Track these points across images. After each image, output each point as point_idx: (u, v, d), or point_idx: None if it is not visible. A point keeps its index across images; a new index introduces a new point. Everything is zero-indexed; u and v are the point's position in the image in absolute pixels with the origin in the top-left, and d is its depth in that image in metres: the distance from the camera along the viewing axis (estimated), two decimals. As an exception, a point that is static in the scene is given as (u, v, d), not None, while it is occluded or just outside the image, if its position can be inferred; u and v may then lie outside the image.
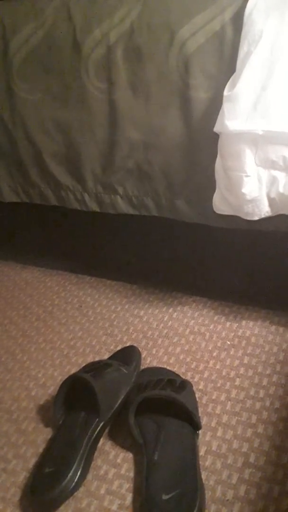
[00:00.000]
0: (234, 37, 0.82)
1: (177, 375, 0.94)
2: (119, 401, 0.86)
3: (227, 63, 0.84)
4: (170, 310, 1.14)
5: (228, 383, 0.93)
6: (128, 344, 1.05)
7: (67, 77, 0.96)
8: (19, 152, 1.07)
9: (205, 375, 0.95)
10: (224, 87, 0.80)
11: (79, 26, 0.93)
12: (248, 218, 0.86)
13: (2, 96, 1.03)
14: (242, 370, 0.95)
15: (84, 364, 0.98)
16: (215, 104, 0.83)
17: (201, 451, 0.81)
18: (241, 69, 0.79)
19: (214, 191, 0.88)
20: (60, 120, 1.00)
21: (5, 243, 1.38)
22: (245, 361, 0.97)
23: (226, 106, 0.79)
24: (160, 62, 0.87)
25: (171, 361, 1.00)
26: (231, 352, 1.00)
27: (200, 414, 0.86)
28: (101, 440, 0.84)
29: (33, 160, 1.07)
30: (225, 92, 0.80)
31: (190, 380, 0.92)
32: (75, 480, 0.76)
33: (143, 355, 1.01)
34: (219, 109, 0.80)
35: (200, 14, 0.84)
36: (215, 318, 1.10)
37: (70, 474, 0.75)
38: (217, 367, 0.97)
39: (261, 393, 0.90)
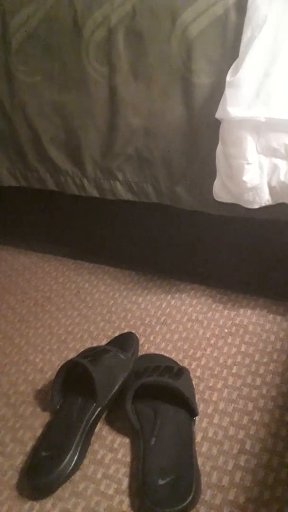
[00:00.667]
0: (238, 21, 0.81)
1: (175, 362, 0.95)
2: (117, 387, 0.86)
3: (230, 48, 0.82)
4: (169, 297, 1.14)
5: (225, 371, 0.93)
6: (126, 331, 1.05)
7: (67, 59, 0.94)
8: (18, 136, 1.06)
9: (202, 362, 0.96)
10: (227, 72, 0.79)
11: (80, 7, 0.91)
12: (249, 207, 0.86)
13: (0, 78, 1.02)
14: (239, 358, 0.96)
15: (81, 350, 0.98)
16: (217, 90, 0.82)
17: (198, 437, 0.81)
18: (244, 54, 0.77)
19: (215, 178, 0.87)
20: (60, 104, 0.99)
21: (3, 228, 1.37)
22: (242, 349, 0.98)
23: (228, 92, 0.78)
24: (161, 46, 0.86)
25: (168, 348, 1.00)
26: (229, 340, 1.00)
27: (197, 401, 0.86)
28: (98, 425, 0.85)
29: (32, 144, 1.06)
30: (228, 78, 0.79)
31: (187, 367, 0.93)
32: (72, 464, 0.76)
33: (141, 342, 1.01)
34: (221, 95, 0.79)
35: (203, -2, 0.83)
36: (213, 306, 1.10)
37: (67, 458, 0.76)
38: (214, 354, 0.97)
39: (258, 381, 0.90)
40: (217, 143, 0.83)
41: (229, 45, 0.82)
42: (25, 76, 1.00)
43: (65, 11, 0.92)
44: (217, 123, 0.82)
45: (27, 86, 1.00)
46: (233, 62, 0.80)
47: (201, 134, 0.89)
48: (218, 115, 0.80)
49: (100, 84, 0.93)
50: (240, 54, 0.79)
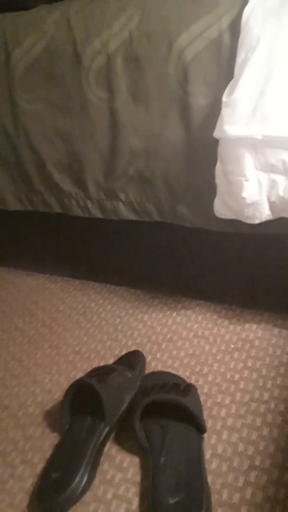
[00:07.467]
0: (232, 43, 0.83)
1: (182, 379, 0.95)
2: (125, 406, 0.86)
3: (225, 70, 0.84)
4: (174, 314, 1.15)
5: (232, 386, 0.93)
6: (132, 349, 1.05)
7: (68, 86, 0.97)
8: (22, 161, 1.09)
9: (210, 379, 0.96)
10: (223, 93, 0.81)
11: (79, 36, 0.94)
12: (249, 222, 0.87)
13: (4, 106, 1.04)
14: (246, 373, 0.96)
15: (89, 369, 0.98)
16: (214, 110, 0.84)
17: (207, 455, 0.81)
18: (239, 75, 0.79)
19: (215, 195, 0.88)
20: (62, 129, 1.01)
21: (9, 250, 1.39)
22: (249, 364, 0.98)
23: (225, 112, 0.79)
24: (159, 70, 0.88)
25: (175, 365, 1.00)
26: (235, 355, 1.00)
27: (205, 418, 0.86)
28: (107, 445, 0.85)
29: (36, 169, 1.08)
30: (224, 98, 0.80)
31: (195, 384, 0.93)
32: (82, 485, 0.76)
33: (147, 359, 1.02)
34: (218, 115, 0.81)
35: (197, 22, 0.85)
36: (219, 321, 1.10)
37: (77, 479, 0.76)
38: (222, 370, 0.97)
39: (266, 395, 0.90)
40: (216, 162, 0.85)
41: (224, 66, 0.84)
42: (28, 103, 1.02)
43: (65, 41, 0.95)
44: (215, 142, 0.83)
45: (30, 113, 1.03)
46: (228, 83, 0.81)
47: (200, 153, 0.90)
48: (215, 134, 0.82)
49: (101, 109, 0.95)
50: (235, 75, 0.81)
